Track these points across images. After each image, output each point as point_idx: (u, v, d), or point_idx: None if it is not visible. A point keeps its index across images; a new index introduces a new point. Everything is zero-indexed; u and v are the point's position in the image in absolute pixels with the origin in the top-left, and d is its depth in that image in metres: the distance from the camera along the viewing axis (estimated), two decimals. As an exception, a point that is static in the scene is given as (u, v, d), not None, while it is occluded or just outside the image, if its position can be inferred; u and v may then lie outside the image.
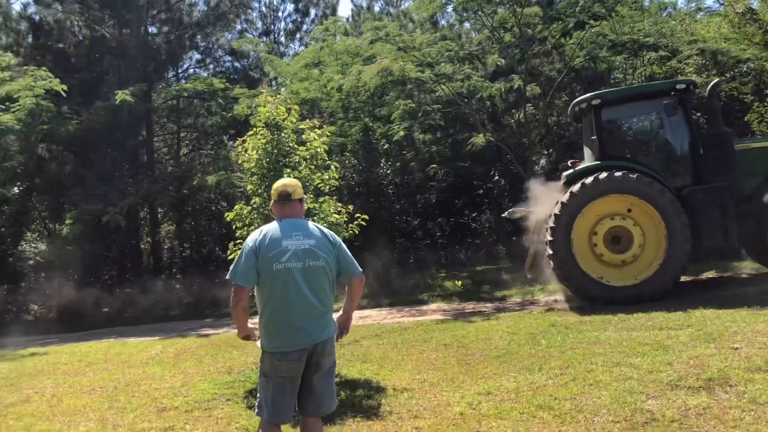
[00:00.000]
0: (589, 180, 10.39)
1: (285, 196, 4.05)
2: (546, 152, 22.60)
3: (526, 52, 18.25)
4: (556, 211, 10.57)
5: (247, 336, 4.03)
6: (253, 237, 3.97)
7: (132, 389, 7.53)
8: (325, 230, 4.10)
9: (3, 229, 20.39)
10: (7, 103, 19.26)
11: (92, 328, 16.29)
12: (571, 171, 11.13)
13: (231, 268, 4.00)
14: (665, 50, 17.68)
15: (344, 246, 4.11)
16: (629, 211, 10.35)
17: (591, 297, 10.39)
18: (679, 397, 5.12)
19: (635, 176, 10.21)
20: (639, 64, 19.81)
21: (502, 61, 18.74)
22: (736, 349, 6.36)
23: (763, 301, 8.65)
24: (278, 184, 4.13)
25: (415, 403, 5.77)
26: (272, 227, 3.98)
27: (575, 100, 12.03)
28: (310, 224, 4.05)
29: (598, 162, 10.85)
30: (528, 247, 12.33)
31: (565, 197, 10.54)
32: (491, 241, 21.30)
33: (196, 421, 5.84)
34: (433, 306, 13.97)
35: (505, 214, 12.83)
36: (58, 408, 6.86)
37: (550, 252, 10.60)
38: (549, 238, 10.60)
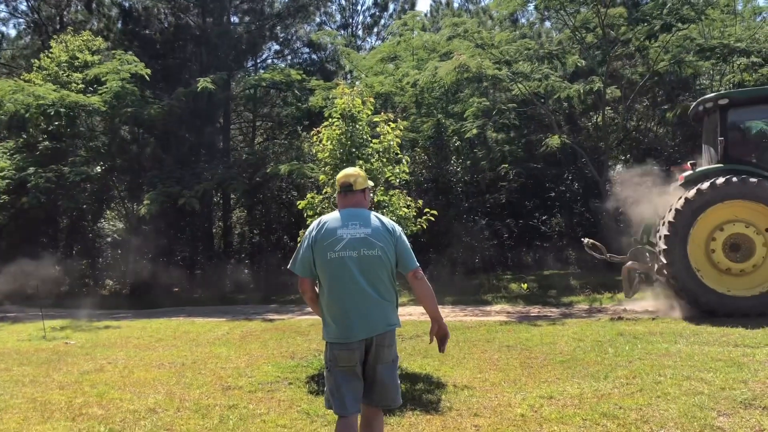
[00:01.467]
0: (706, 184, 9.89)
1: (347, 187, 3.97)
2: (623, 157, 22.00)
3: (608, 53, 17.78)
4: (671, 217, 10.05)
5: None
6: (312, 227, 3.96)
7: (199, 367, 7.77)
8: (385, 220, 3.95)
9: (85, 206, 21.34)
10: (95, 86, 20.19)
11: (163, 306, 16.89)
12: (690, 173, 10.55)
13: (292, 257, 4.02)
14: (758, 56, 16.86)
15: (404, 237, 3.93)
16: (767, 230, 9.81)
17: (709, 309, 9.76)
18: (753, 416, 4.89)
19: (757, 181, 9.73)
20: (728, 71, 18.99)
21: (583, 62, 18.31)
22: (819, 372, 6.04)
23: None
24: (341, 175, 4.07)
25: (475, 401, 5.72)
26: (330, 217, 3.94)
27: (700, 99, 11.47)
28: (372, 214, 3.93)
29: (721, 165, 10.34)
30: (627, 271, 11.71)
31: (682, 202, 10.02)
32: (560, 245, 20.91)
33: (259, 401, 5.97)
34: (497, 307, 13.83)
35: (584, 242, 12.29)
36: (129, 379, 7.15)
37: (664, 261, 10.07)
38: (663, 246, 10.08)
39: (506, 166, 19.97)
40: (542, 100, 19.70)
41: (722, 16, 17.18)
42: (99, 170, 20.93)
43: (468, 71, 16.77)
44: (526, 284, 16.59)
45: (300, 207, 7.56)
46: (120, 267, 22.81)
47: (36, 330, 11.45)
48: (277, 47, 28.62)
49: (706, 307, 9.80)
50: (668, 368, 6.51)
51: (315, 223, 3.96)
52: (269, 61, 28.51)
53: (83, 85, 20.15)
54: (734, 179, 9.79)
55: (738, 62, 17.47)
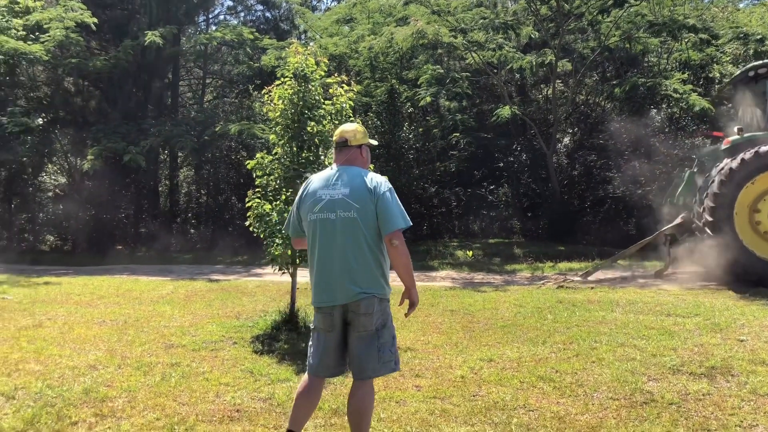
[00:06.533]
0: (750, 154, 9.93)
1: (341, 143, 3.77)
2: (571, 131, 22.38)
3: (561, 26, 17.96)
4: (716, 188, 10.04)
5: None
6: (303, 185, 3.83)
7: (141, 324, 7.69)
8: (371, 178, 3.64)
9: (25, 159, 20.60)
10: (36, 33, 19.31)
11: (106, 264, 16.56)
12: (737, 137, 10.54)
13: None
14: (705, 33, 17.27)
15: (388, 197, 3.57)
16: None
17: (757, 277, 9.78)
18: (680, 381, 5.14)
19: None
20: (675, 48, 19.43)
21: (536, 33, 18.46)
22: (742, 341, 6.36)
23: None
24: (337, 130, 3.86)
25: (417, 362, 5.84)
26: (317, 176, 3.78)
27: (752, 64, 11.50)
28: (358, 173, 3.67)
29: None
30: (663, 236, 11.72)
31: (726, 171, 10.02)
32: (506, 215, 21.26)
33: (203, 360, 5.96)
34: (442, 273, 14.05)
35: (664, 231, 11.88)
36: (69, 335, 7.03)
37: (710, 232, 10.07)
38: (708, 217, 10.10)
39: (457, 135, 20.10)
40: (495, 71, 19.80)
41: (672, -4, 17.53)
42: (40, 122, 20.17)
43: (424, 38, 16.72)
44: (471, 252, 16.87)
45: (249, 167, 7.48)
46: (62, 223, 22.19)
47: (-29, 284, 11.11)
48: (230, 3, 28.09)
49: (754, 277, 9.89)
50: (604, 335, 6.77)
51: (306, 181, 3.82)
52: (222, 17, 27.84)
53: (24, 32, 19.23)
54: None
55: (686, 39, 17.85)
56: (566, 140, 22.34)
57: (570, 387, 5.06)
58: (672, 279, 11.44)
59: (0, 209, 22.24)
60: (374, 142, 3.97)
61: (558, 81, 20.13)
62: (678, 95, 16.97)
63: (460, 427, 4.25)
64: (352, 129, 3.82)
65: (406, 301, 3.70)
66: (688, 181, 11.92)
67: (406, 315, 3.77)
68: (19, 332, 7.16)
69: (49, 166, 23.56)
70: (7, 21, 19.31)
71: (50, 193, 23.81)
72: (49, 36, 18.97)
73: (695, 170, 12.02)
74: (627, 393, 4.89)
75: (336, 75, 7.58)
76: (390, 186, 3.67)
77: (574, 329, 7.15)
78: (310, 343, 3.75)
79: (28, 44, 18.68)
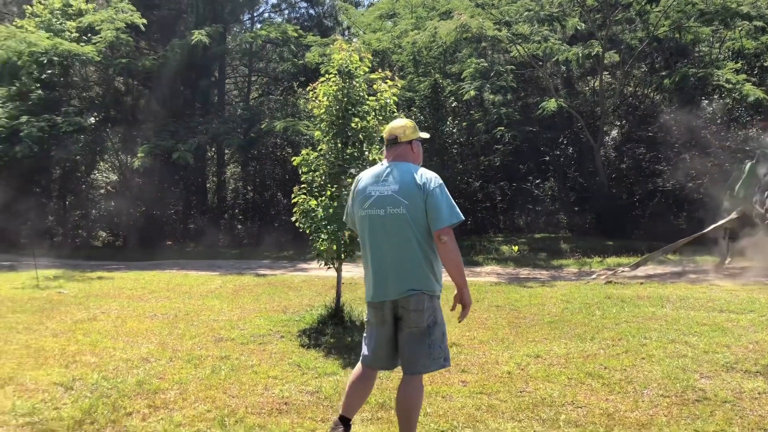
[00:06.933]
0: None
1: (392, 140, 3.74)
2: (619, 123, 21.95)
3: (608, 17, 17.61)
4: None
5: None
6: (354, 182, 3.84)
7: (191, 318, 7.85)
8: (421, 174, 3.58)
9: (78, 157, 21.22)
10: (89, 35, 19.88)
11: (156, 259, 16.94)
12: None
13: None
14: (760, 21, 16.70)
15: (438, 193, 3.51)
16: None
17: None
18: (734, 379, 5.01)
19: None
20: (728, 37, 18.85)
21: (583, 25, 18.14)
22: (800, 338, 6.17)
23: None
24: (387, 127, 3.82)
25: (463, 358, 5.83)
26: (367, 172, 3.76)
27: None
28: (408, 168, 3.63)
29: None
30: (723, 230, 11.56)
31: None
32: (553, 209, 21.01)
33: (251, 353, 6.06)
34: (487, 268, 13.97)
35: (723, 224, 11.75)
36: (122, 329, 7.22)
37: None
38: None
39: (502, 128, 19.94)
40: (540, 63, 19.55)
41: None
42: (92, 121, 20.74)
43: (468, 31, 16.61)
44: (516, 247, 16.73)
45: (295, 164, 7.54)
46: (113, 219, 22.80)
47: (29, 279, 11.50)
48: (274, 1, 28.24)
49: None
50: (654, 331, 6.63)
51: (357, 177, 3.82)
52: (266, 15, 28.13)
53: (77, 34, 19.82)
54: None
55: (740, 27, 17.29)
56: (614, 133, 21.93)
57: (619, 384, 4.98)
58: (726, 274, 11.14)
59: (55, 206, 22.97)
60: (425, 136, 3.91)
61: (605, 73, 19.75)
62: (731, 85, 16.47)
63: (507, 422, 4.23)
64: (402, 125, 3.78)
65: (458, 306, 3.61)
66: (749, 173, 11.59)
67: (460, 319, 3.68)
68: (75, 325, 7.39)
69: (101, 163, 24.24)
70: (61, 24, 19.92)
71: (102, 190, 24.51)
72: (100, 37, 19.50)
73: (756, 162, 11.67)
74: (678, 390, 4.79)
75: (379, 70, 7.59)
76: (441, 182, 3.58)
77: (623, 325, 7.03)
78: (365, 334, 3.77)
79: (81, 46, 19.24)
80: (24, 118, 18.40)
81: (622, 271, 11.32)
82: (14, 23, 19.99)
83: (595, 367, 5.43)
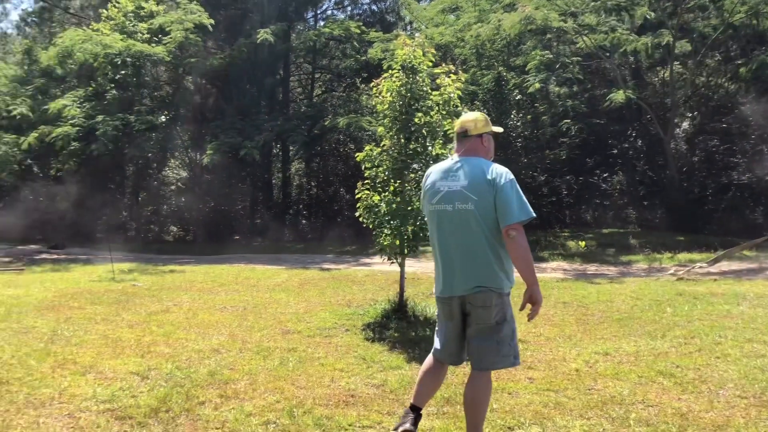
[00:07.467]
0: None
1: (462, 133, 3.66)
2: (690, 115, 21.19)
3: (679, 5, 17.00)
4: None
5: None
6: (424, 177, 3.81)
7: (259, 311, 8.04)
8: (492, 170, 3.48)
9: (150, 155, 21.97)
10: (159, 36, 20.56)
11: (224, 253, 17.39)
12: None
13: None
14: None
15: (509, 188, 3.41)
16: None
17: None
18: (818, 381, 4.79)
19: None
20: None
21: (652, 14, 17.56)
22: None
23: None
24: (458, 120, 3.75)
25: (529, 355, 5.76)
26: (437, 167, 3.70)
27: None
28: (477, 163, 3.55)
29: None
30: None
31: None
32: (621, 204, 20.48)
33: (317, 345, 6.16)
34: (553, 264, 13.75)
35: None
36: (193, 320, 7.46)
37: None
38: None
39: (568, 121, 19.54)
40: (607, 54, 19.06)
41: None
42: (163, 119, 21.45)
43: (533, 23, 16.35)
44: (584, 242, 16.37)
45: (358, 159, 7.60)
46: (183, 214, 23.52)
47: (105, 272, 12.01)
48: (337, -2, 28.41)
49: None
50: (729, 330, 6.40)
51: (427, 173, 3.78)
52: (329, 12, 28.36)
53: (148, 35, 20.53)
54: None
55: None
56: (685, 125, 21.19)
57: (693, 383, 4.83)
58: None
59: (128, 202, 23.86)
60: (498, 129, 3.82)
61: (676, 63, 19.10)
62: (813, 73, 15.67)
63: (576, 420, 4.16)
64: (473, 118, 3.70)
65: (528, 306, 3.51)
66: None
67: (530, 318, 3.56)
68: (149, 317, 7.68)
69: (172, 160, 25.03)
70: (133, 26, 20.66)
71: (173, 187, 25.32)
72: (170, 38, 20.14)
73: None
74: (757, 391, 4.60)
75: (443, 65, 7.55)
76: (511, 177, 3.48)
77: (695, 323, 6.80)
78: (437, 328, 3.78)
79: (152, 46, 19.92)
80: (100, 118, 19.20)
81: (700, 267, 10.95)
82: (91, 27, 20.85)
83: (666, 365, 5.28)
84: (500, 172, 3.48)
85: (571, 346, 6.04)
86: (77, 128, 19.15)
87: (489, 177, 3.46)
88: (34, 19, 28.86)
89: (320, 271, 12.39)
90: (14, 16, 60.52)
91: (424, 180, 3.77)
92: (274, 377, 5.09)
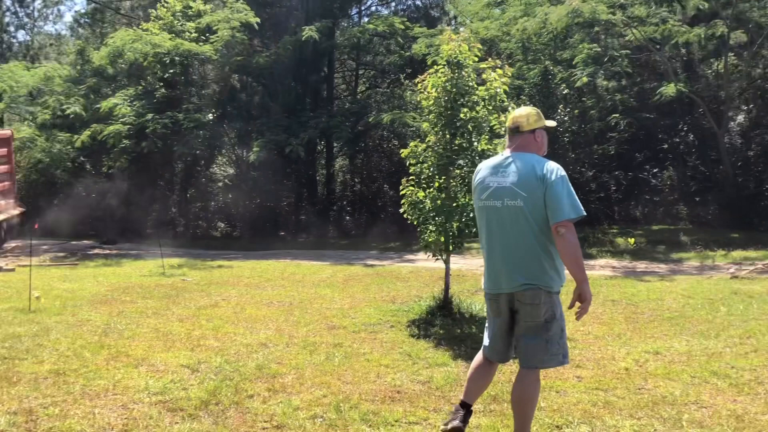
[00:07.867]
0: None
1: (513, 129, 3.63)
2: (745, 108, 20.53)
3: (734, -6, 16.47)
4: None
5: None
6: (474, 173, 3.79)
7: (305, 306, 8.12)
8: (543, 166, 3.46)
9: (198, 152, 22.35)
10: (206, 34, 20.91)
11: (270, 249, 17.59)
12: None
13: None
14: None
15: (559, 185, 3.37)
16: None
17: None
18: None
19: None
20: None
21: (705, 4, 17.05)
22: None
23: None
24: (510, 115, 3.73)
25: (578, 353, 5.68)
26: (487, 163, 3.70)
27: None
28: (528, 159, 3.51)
29: None
30: None
31: None
32: (672, 199, 19.99)
33: (363, 341, 6.19)
34: (601, 261, 13.51)
35: None
36: (241, 315, 7.58)
37: None
38: None
39: (617, 115, 19.13)
40: (658, 47, 18.59)
41: None
42: (211, 117, 21.77)
43: (580, 16, 16.06)
44: (633, 239, 16.03)
45: (403, 155, 7.59)
46: (230, 210, 23.86)
47: (156, 267, 12.28)
48: (381, -6, 28.36)
49: None
50: (787, 330, 6.20)
51: (477, 168, 3.78)
52: (373, 8, 28.35)
53: (196, 34, 20.88)
54: None
55: None
56: (740, 118, 20.55)
57: (748, 384, 4.69)
58: None
59: (177, 198, 24.32)
60: (551, 124, 3.76)
61: (731, 54, 18.51)
62: None
63: (625, 420, 4.08)
64: (525, 113, 3.65)
65: (577, 304, 3.46)
66: None
67: (578, 316, 3.51)
68: (198, 311, 7.83)
69: (219, 158, 25.42)
70: (182, 25, 21.04)
71: (220, 183, 25.69)
72: (217, 36, 20.44)
73: None
74: (817, 394, 4.45)
75: (488, 59, 7.48)
76: (563, 174, 3.44)
77: (751, 323, 6.61)
78: (486, 325, 3.76)
79: (200, 45, 20.25)
80: (149, 116, 19.60)
81: (764, 265, 10.62)
82: (140, 26, 21.30)
83: (720, 366, 5.14)
84: (551, 168, 3.44)
85: (621, 345, 5.93)
86: (128, 126, 19.58)
87: (539, 173, 3.42)
88: (86, 20, 29.64)
89: (364, 267, 12.43)
90: (68, 17, 62.34)
91: (474, 175, 3.76)
92: (320, 372, 5.14)
